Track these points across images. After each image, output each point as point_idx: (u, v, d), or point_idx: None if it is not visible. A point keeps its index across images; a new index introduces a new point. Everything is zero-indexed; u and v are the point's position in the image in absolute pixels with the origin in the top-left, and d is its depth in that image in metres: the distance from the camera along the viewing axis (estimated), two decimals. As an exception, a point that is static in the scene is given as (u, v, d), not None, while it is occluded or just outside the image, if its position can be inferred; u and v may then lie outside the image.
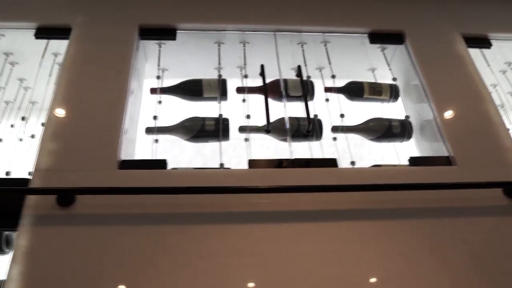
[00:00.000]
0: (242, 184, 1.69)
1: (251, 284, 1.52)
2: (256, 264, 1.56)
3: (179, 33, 2.26)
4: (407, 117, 2.22)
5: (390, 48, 2.40)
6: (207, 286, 1.52)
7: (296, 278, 1.53)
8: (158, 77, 2.22)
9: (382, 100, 2.32)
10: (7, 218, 1.68)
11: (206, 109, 2.16)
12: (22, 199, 1.68)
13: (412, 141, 2.23)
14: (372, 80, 2.41)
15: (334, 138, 2.15)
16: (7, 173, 2.00)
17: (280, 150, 2.48)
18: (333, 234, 1.65)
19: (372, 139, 2.21)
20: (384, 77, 2.42)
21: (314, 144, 2.12)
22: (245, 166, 1.86)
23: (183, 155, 2.84)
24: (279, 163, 1.86)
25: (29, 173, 1.91)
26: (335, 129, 2.14)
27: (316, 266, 1.57)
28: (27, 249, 1.58)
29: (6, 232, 1.74)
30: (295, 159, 1.87)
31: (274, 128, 2.06)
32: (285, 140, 2.07)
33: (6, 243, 1.75)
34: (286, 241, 1.62)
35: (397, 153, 2.23)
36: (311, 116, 2.02)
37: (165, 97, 2.17)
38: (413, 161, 1.96)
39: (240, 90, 2.19)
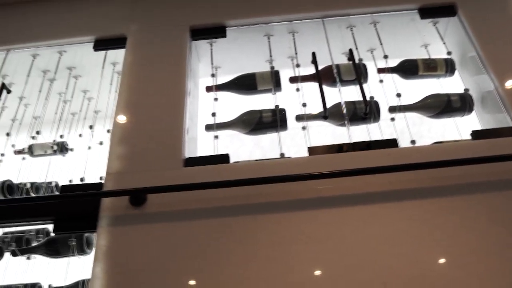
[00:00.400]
0: (304, 172, 1.71)
1: (320, 270, 1.55)
2: (324, 249, 1.58)
3: (228, 30, 2.31)
4: (466, 90, 2.16)
5: (442, 22, 2.33)
6: (276, 274, 1.55)
7: (364, 261, 1.54)
8: (212, 75, 2.28)
9: (438, 76, 2.27)
10: (86, 221, 1.79)
11: (261, 101, 2.20)
12: (98, 202, 1.79)
13: (473, 114, 2.16)
14: (426, 57, 2.35)
15: (392, 119, 2.13)
16: (82, 179, 2.13)
17: (337, 136, 2.48)
18: (399, 215, 1.64)
19: (431, 116, 2.17)
20: (439, 52, 2.36)
21: (372, 126, 2.11)
22: (304, 154, 1.88)
23: (243, 148, 2.89)
24: (340, 148, 1.86)
25: (101, 178, 2.03)
26: (392, 109, 2.11)
27: (384, 247, 1.57)
28: (107, 248, 1.68)
29: (86, 234, 1.86)
30: (355, 142, 1.88)
31: (331, 114, 2.07)
32: (343, 125, 2.08)
33: (87, 244, 1.86)
34: (352, 224, 1.63)
35: (458, 128, 2.18)
36: (367, 98, 2.01)
37: (220, 94, 2.23)
38: (476, 134, 1.91)
39: (293, 79, 2.21)
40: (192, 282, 1.58)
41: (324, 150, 1.86)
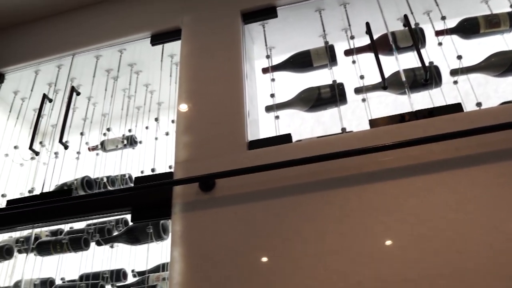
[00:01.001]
0: (367, 145, 1.70)
1: (390, 241, 1.55)
2: (394, 221, 1.58)
3: (279, 10, 2.31)
4: (534, 43, 2.05)
5: (503, -27, 2.21)
6: (347, 248, 1.57)
7: (435, 230, 1.52)
8: (267, 57, 2.30)
9: (502, 32, 2.16)
10: (160, 209, 1.88)
11: (319, 78, 2.19)
12: (170, 191, 1.88)
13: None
14: (487, 12, 2.24)
15: (455, 82, 2.06)
16: (153, 170, 2.23)
17: (399, 104, 2.44)
18: (468, 181, 1.60)
19: (497, 75, 2.08)
20: (501, 6, 2.24)
21: (434, 92, 2.05)
22: (366, 126, 1.87)
23: (304, 126, 2.90)
24: (401, 118, 1.83)
25: (170, 167, 2.12)
26: (454, 72, 2.04)
27: (455, 215, 1.53)
28: (182, 233, 1.77)
29: (162, 221, 1.96)
30: (417, 111, 1.84)
31: (390, 84, 2.03)
32: (403, 93, 2.04)
33: (163, 230, 1.96)
34: (419, 194, 1.61)
35: (528, 85, 2.08)
36: (426, 64, 1.95)
37: (277, 74, 2.25)
38: (549, 90, 1.82)
39: (348, 52, 2.19)
40: (265, 259, 1.63)
41: (386, 121, 1.84)
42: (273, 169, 1.74)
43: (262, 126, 2.25)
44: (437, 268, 1.45)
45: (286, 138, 1.92)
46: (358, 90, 2.06)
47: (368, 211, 1.62)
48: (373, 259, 1.52)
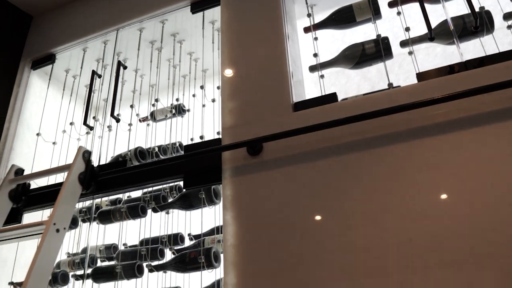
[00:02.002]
0: (415, 99, 1.65)
1: (442, 196, 1.52)
2: (445, 176, 1.54)
3: (316, -34, 2.25)
4: None
5: None
6: (398, 205, 1.56)
7: (488, 183, 1.47)
8: (308, 15, 2.25)
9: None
10: (211, 175, 1.93)
11: (362, 33, 2.14)
12: (219, 156, 1.91)
13: None
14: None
15: (509, 27, 1.95)
16: (201, 137, 2.27)
17: (448, 55, 2.34)
18: (523, 131, 1.54)
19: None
20: None
21: (485, 39, 1.95)
22: (414, 80, 1.82)
23: (350, 83, 2.85)
24: (450, 69, 1.76)
25: (218, 133, 2.15)
26: (508, 16, 1.93)
27: (508, 167, 1.47)
28: (233, 197, 1.81)
29: (213, 186, 2.00)
30: (467, 61, 1.76)
31: (438, 34, 1.95)
32: (452, 43, 1.95)
33: (215, 195, 2.01)
34: (472, 147, 1.55)
35: None
36: (477, 9, 1.85)
37: (319, 33, 2.20)
38: None
39: (392, 4, 2.11)
40: (314, 220, 1.65)
41: (434, 73, 1.78)
42: (320, 129, 1.74)
43: (307, 87, 2.23)
44: (489, 223, 1.42)
45: (332, 97, 1.90)
46: (403, 43, 1.99)
47: (418, 167, 1.59)
48: (424, 215, 1.51)
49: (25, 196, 2.31)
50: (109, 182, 2.16)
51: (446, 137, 1.60)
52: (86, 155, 2.08)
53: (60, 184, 2.25)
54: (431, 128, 1.64)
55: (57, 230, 1.76)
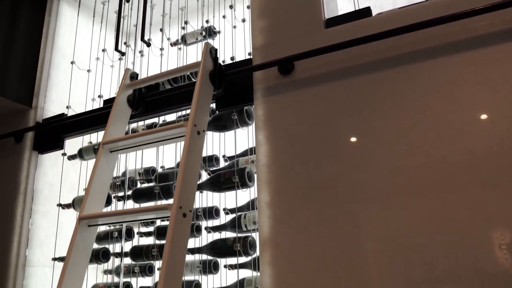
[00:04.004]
0: (454, 11, 1.56)
1: (479, 113, 1.47)
2: (484, 91, 1.49)
3: None
4: None
5: None
6: (433, 122, 1.53)
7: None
8: None
9: None
10: (243, 96, 1.93)
11: None
12: (250, 77, 1.90)
13: None
14: None
15: None
16: (232, 59, 2.25)
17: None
18: None
19: None
20: None
21: None
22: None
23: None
24: (494, -24, 1.65)
25: (249, 54, 2.12)
26: None
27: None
28: (265, 117, 1.81)
29: (246, 107, 2.00)
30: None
31: None
32: None
33: (248, 116, 2.02)
34: (514, 60, 1.49)
35: None
36: None
37: None
38: None
39: None
40: (345, 138, 1.65)
41: (476, -19, 1.66)
42: (353, 46, 1.69)
43: (340, 2, 2.15)
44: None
45: (366, 12, 1.82)
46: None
47: (456, 83, 1.54)
48: (461, 133, 1.48)
49: (142, 102, 2.17)
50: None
51: (486, 51, 1.52)
52: (213, 52, 1.90)
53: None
54: (471, 42, 1.56)
55: (198, 132, 1.66)
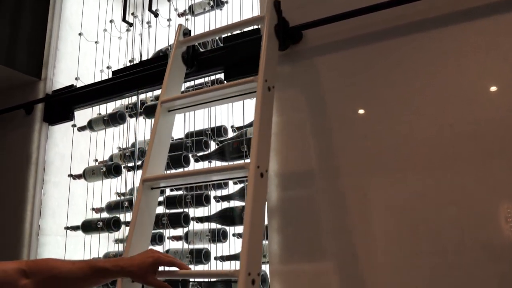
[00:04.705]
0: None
1: (487, 82, 1.46)
2: (492, 60, 1.47)
3: None
4: None
5: None
6: (440, 91, 1.52)
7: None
8: None
9: None
10: (251, 66, 1.91)
11: None
12: (258, 46, 1.88)
13: None
14: None
15: None
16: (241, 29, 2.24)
17: None
18: None
19: None
20: None
21: None
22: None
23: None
24: None
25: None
26: None
27: None
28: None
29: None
30: None
31: None
32: None
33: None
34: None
35: None
36: None
37: None
38: None
39: None
40: (353, 107, 1.65)
41: None
42: (360, 15, 1.67)
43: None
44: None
45: (375, -20, 1.79)
46: None
47: (463, 51, 1.52)
48: (468, 101, 1.47)
49: (196, 61, 2.07)
50: (152, 76, 2.20)
51: (499, 18, 1.49)
52: (276, 4, 1.75)
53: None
54: (480, 10, 1.53)
55: (268, 88, 1.55)
